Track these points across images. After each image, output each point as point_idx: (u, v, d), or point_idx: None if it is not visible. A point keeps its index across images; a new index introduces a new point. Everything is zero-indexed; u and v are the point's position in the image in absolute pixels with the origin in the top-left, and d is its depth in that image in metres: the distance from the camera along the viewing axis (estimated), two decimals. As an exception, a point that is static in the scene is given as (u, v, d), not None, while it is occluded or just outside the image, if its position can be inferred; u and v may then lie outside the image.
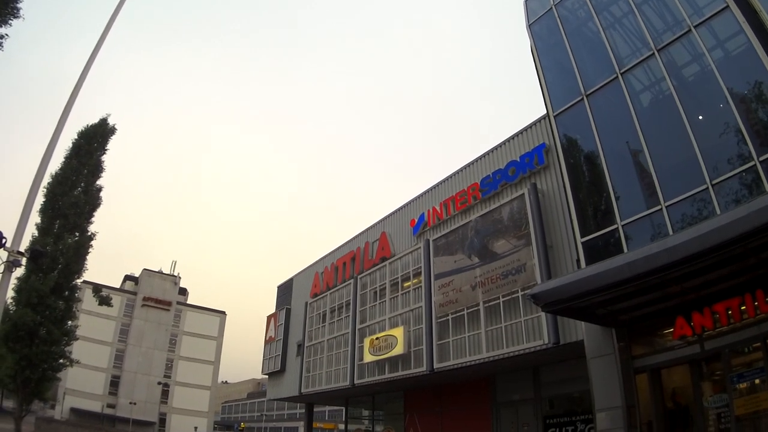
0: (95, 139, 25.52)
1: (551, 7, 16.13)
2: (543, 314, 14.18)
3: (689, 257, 8.96)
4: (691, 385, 11.68)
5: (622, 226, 12.11)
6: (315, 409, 35.41)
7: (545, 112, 15.37)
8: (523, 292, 15.14)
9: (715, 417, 11.16)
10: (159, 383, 63.11)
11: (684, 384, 12.02)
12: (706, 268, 9.63)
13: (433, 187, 20.92)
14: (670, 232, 11.22)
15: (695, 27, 12.08)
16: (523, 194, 15.75)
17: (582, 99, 13.92)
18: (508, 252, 15.87)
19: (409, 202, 22.63)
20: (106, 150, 25.61)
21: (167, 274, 73.18)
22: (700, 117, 12.18)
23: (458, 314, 17.50)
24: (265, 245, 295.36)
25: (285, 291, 33.01)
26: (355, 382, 22.41)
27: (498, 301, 16.00)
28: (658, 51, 12.70)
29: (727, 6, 11.57)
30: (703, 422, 11.28)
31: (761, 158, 10.28)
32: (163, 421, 65.40)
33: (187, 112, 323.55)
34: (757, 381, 10.63)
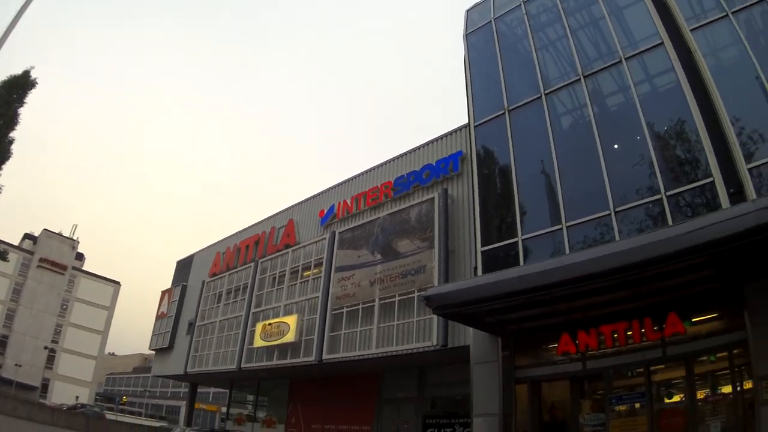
0: (15, 90, 23.69)
1: (491, 21, 16.41)
2: (435, 316, 14.29)
3: (581, 277, 9.24)
4: (570, 400, 12.10)
5: (523, 240, 12.41)
6: (199, 390, 34.47)
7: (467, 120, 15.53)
8: (419, 293, 15.28)
9: (589, 434, 11.60)
10: (45, 348, 59.43)
11: (563, 399, 12.46)
12: (597, 290, 9.94)
13: (348, 180, 20.83)
14: (567, 252, 11.62)
15: (626, 59, 12.58)
16: (434, 198, 15.92)
17: (504, 113, 14.22)
18: (410, 252, 16.01)
19: (321, 193, 22.41)
20: (24, 102, 23.62)
21: (66, 237, 69.11)
22: (616, 146, 12.70)
23: (353, 308, 17.48)
24: (176, 222, 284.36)
25: (184, 267, 31.90)
26: (243, 365, 21.96)
27: (394, 299, 16.12)
28: (585, 77, 13.15)
29: (662, 43, 12.14)
30: (578, 438, 11.65)
31: (668, 193, 10.83)
32: (45, 386, 61.70)
33: (119, 83, 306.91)
34: (637, 405, 11.18)
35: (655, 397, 11.05)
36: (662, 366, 11.53)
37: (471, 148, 14.77)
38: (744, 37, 11.41)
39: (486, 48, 16.13)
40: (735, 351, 10.67)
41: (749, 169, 10.36)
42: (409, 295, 15.71)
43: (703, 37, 12.24)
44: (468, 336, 13.45)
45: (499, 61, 15.23)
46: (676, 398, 11.10)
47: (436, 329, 14.57)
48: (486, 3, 17.30)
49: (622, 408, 11.39)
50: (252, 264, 24.17)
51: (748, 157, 10.52)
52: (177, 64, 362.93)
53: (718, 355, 10.87)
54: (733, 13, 11.79)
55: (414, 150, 18.33)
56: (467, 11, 17.71)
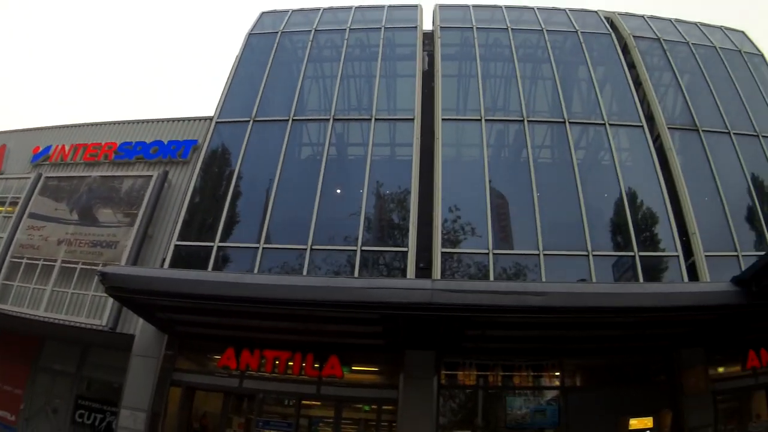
0: None
1: (278, 32, 16.49)
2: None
3: (254, 299, 9.36)
4: (221, 414, 12.18)
5: (219, 246, 12.36)
6: None
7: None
8: (100, 268, 14.18)
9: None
10: None
11: (215, 411, 12.43)
12: (268, 315, 10.28)
13: (76, 125, 18.64)
14: (255, 271, 11.83)
15: (376, 120, 13.70)
16: (152, 177, 15.02)
17: (249, 121, 14.20)
18: (108, 224, 14.88)
19: (46, 128, 19.53)
20: None
21: None
22: (338, 191, 13.42)
23: (34, 262, 15.53)
24: None
25: None
26: None
27: (77, 266, 14.77)
28: (335, 120, 13.82)
29: (413, 119, 13.49)
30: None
31: (364, 248, 11.82)
32: None
33: None
34: None
35: (301, 429, 11.61)
36: (317, 402, 12.19)
37: (206, 141, 14.41)
38: (485, 142, 13.35)
39: (262, 54, 16.10)
40: (385, 407, 11.71)
41: (442, 252, 11.71)
42: (93, 267, 14.41)
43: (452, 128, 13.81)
44: (139, 326, 12.87)
45: (268, 71, 15.31)
46: (323, 435, 11.70)
47: (109, 310, 13.65)
48: (282, 14, 17.41)
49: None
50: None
51: (445, 243, 11.93)
52: None
53: (373, 406, 11.85)
54: (486, 120, 13.64)
55: (151, 121, 17.21)
56: (262, 13, 17.60)
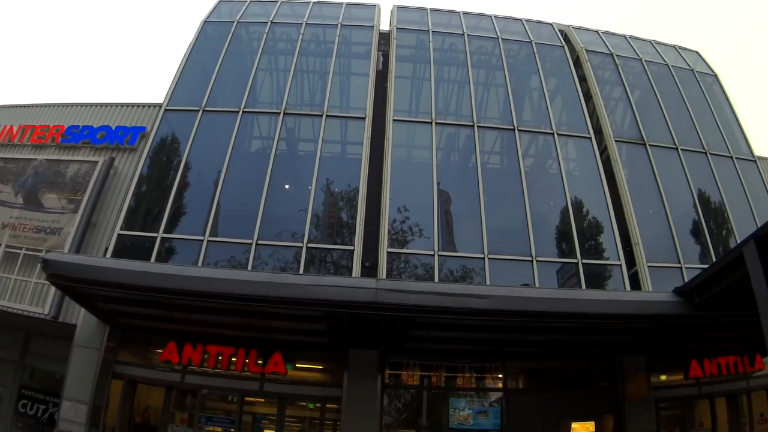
0: None
1: (235, 21, 16.34)
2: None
3: (196, 292, 9.29)
4: (163, 408, 12.10)
5: (163, 238, 12.26)
6: None
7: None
8: (42, 255, 13.92)
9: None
10: None
11: (158, 405, 12.34)
12: (211, 309, 10.20)
13: (26, 106, 18.11)
14: (200, 264, 11.78)
15: (327, 116, 13.80)
16: (98, 162, 14.67)
17: (198, 111, 14.05)
18: (53, 209, 14.58)
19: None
20: None
21: None
22: (287, 186, 13.45)
23: (-24, 246, 15.26)
24: None
25: None
26: None
27: (20, 252, 14.47)
28: (285, 114, 13.78)
29: (364, 118, 13.69)
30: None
31: (310, 245, 11.95)
32: None
33: None
34: (219, 430, 11.67)
35: (243, 426, 11.63)
36: (260, 399, 12.27)
37: (154, 128, 14.19)
38: (435, 145, 13.68)
39: (216, 42, 15.96)
40: (329, 405, 11.82)
41: (388, 252, 11.85)
42: (37, 253, 14.17)
43: (403, 129, 13.93)
44: (81, 316, 12.69)
45: (221, 60, 15.18)
46: (266, 432, 11.76)
47: (51, 298, 13.41)
48: (239, 4, 17.29)
49: (210, 428, 11.72)
50: None
51: (392, 243, 12.07)
52: None
53: (317, 404, 11.93)
54: (437, 123, 13.83)
55: (101, 105, 16.78)
56: (220, 1, 17.40)
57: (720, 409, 13.23)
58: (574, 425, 11.49)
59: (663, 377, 13.25)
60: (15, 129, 17.07)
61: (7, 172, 16.03)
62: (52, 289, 13.31)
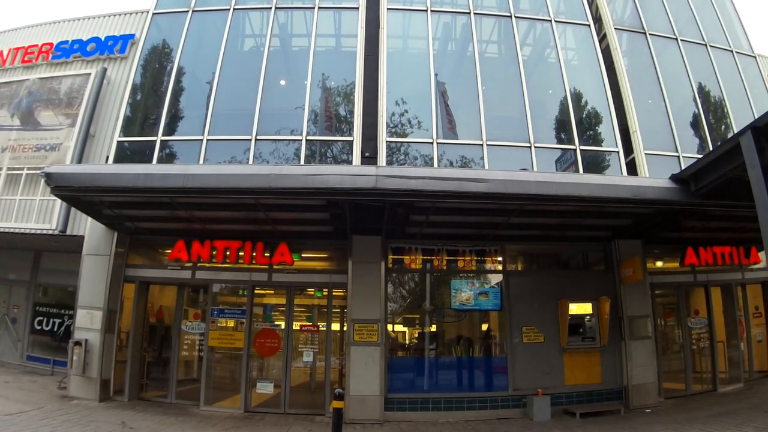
0: None
1: None
2: (59, 199, 13.27)
3: (201, 189, 9.26)
4: (176, 306, 12.51)
5: (162, 140, 12.28)
6: None
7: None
8: (45, 169, 13.90)
9: (190, 342, 12.29)
10: None
11: (171, 304, 12.80)
12: (217, 205, 10.26)
13: (12, 30, 17.64)
14: (201, 162, 11.81)
15: (320, 8, 13.45)
16: (90, 74, 14.50)
17: (188, 11, 13.73)
18: (50, 126, 14.49)
19: None
20: None
21: None
22: (282, 82, 13.26)
23: (-22, 172, 15.27)
24: None
25: None
26: None
27: (22, 172, 14.48)
28: (277, 9, 13.49)
29: (357, 8, 13.36)
30: (178, 343, 12.23)
31: (309, 137, 11.98)
32: None
33: None
34: (231, 322, 12.08)
35: (255, 317, 12.01)
36: (270, 291, 12.68)
37: (143, 34, 13.90)
38: (431, 34, 13.35)
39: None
40: (335, 292, 12.18)
41: (387, 142, 11.83)
42: (39, 171, 14.25)
43: (398, 18, 13.63)
44: (88, 225, 12.84)
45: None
46: (277, 322, 12.18)
47: (57, 213, 13.55)
48: None
49: (223, 322, 12.08)
50: None
51: (391, 134, 12.02)
52: None
53: (324, 292, 12.23)
54: (432, 11, 13.59)
55: (86, 18, 16.39)
56: None
57: (715, 299, 13.65)
58: (572, 306, 11.85)
59: (659, 263, 13.58)
60: (5, 54, 16.81)
61: (1, 97, 15.89)
62: (57, 204, 13.47)
